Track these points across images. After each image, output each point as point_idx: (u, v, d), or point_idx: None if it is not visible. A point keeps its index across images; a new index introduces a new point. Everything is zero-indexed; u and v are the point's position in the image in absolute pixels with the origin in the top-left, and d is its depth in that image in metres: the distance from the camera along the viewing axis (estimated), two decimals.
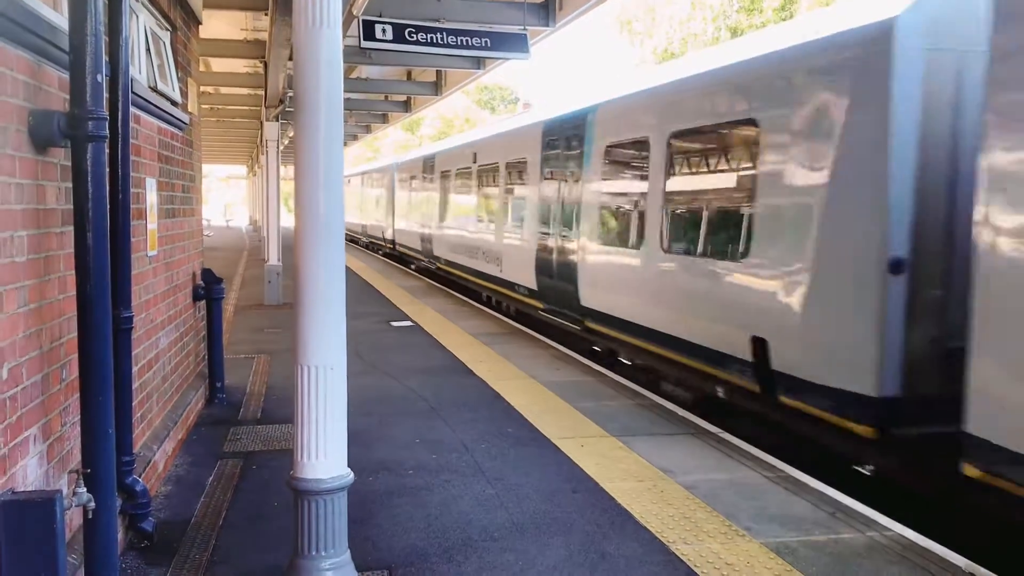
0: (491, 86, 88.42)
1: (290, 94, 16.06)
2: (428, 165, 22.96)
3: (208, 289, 8.46)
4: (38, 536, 3.39)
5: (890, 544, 5.18)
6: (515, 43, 10.77)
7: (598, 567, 4.85)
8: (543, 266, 13.00)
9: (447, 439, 7.35)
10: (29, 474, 3.69)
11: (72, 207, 3.78)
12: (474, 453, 6.95)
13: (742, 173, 7.94)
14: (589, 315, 11.22)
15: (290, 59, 11.59)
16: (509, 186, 15.33)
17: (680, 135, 8.95)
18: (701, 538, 5.25)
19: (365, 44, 9.97)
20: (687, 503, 5.84)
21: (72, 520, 4.12)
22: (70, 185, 3.80)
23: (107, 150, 4.18)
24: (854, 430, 6.43)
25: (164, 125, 6.71)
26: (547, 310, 13.00)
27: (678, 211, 9.05)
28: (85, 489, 3.73)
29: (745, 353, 7.57)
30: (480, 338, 12.60)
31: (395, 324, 14.06)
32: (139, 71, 6.06)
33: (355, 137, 34.73)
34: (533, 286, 13.47)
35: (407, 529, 5.39)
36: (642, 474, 6.44)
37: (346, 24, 9.21)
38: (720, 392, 8.29)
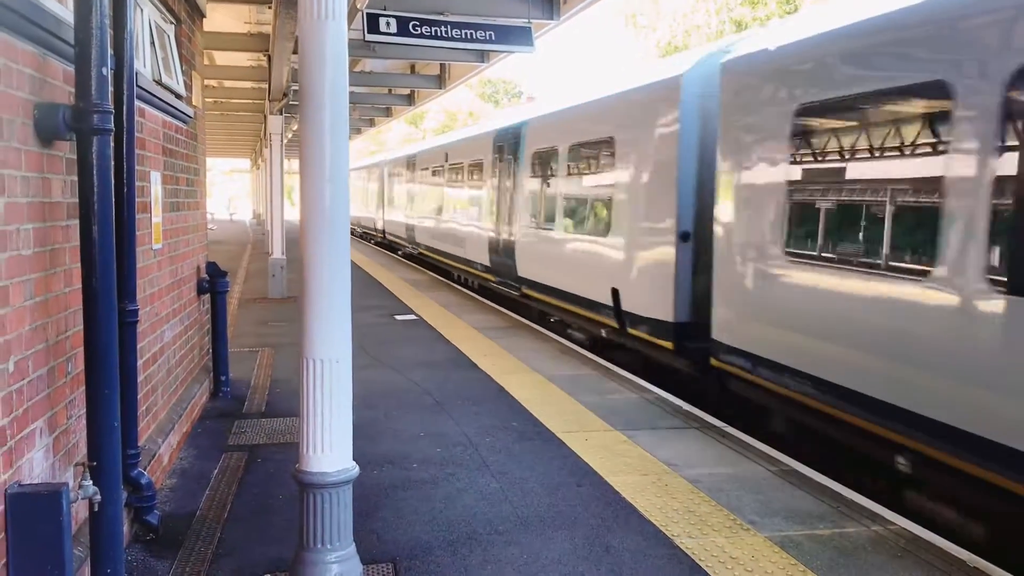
0: (495, 80, 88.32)
1: (294, 87, 16.05)
2: (411, 163, 26.17)
3: (212, 282, 8.47)
4: (44, 528, 3.40)
5: (894, 538, 5.18)
6: (519, 36, 10.74)
7: (602, 561, 4.85)
8: (493, 247, 16.17)
9: (451, 433, 7.36)
10: (35, 467, 3.70)
11: (77, 200, 3.78)
12: (478, 447, 6.95)
13: (606, 174, 11.11)
14: (524, 283, 14.29)
15: (294, 52, 11.57)
16: (471, 182, 18.43)
17: (574, 146, 12.32)
18: (705, 532, 5.25)
19: (369, 37, 9.95)
20: (691, 497, 5.84)
21: (78, 513, 4.13)
22: (75, 178, 3.80)
23: (112, 143, 4.19)
24: (663, 345, 9.47)
25: (168, 118, 6.71)
26: (498, 282, 15.95)
27: (573, 201, 12.34)
28: (91, 482, 3.73)
29: (609, 300, 10.64)
30: (484, 332, 12.60)
31: (399, 318, 14.07)
32: (143, 64, 6.05)
33: (359, 131, 34.73)
34: (487, 263, 16.61)
35: (412, 522, 5.39)
36: (646, 468, 6.44)
37: (350, 17, 9.18)
38: (603, 332, 11.19)
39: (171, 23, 7.38)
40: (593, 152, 11.65)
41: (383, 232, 31.93)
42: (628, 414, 7.98)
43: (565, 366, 10.19)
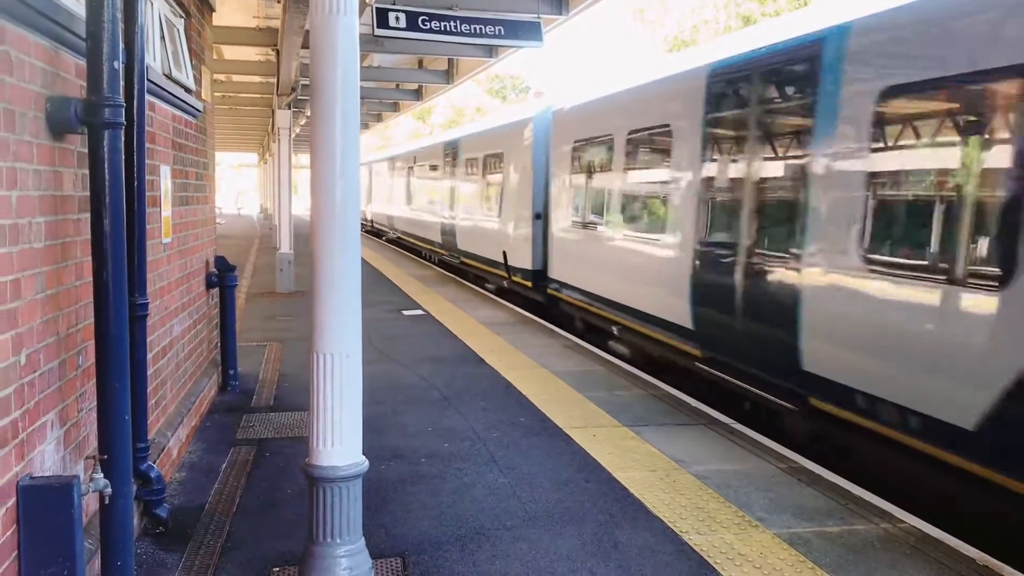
0: (502, 75, 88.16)
1: (303, 82, 16.06)
2: (391, 163, 32.09)
3: (221, 276, 8.48)
4: (56, 521, 3.41)
5: (904, 536, 5.17)
6: (528, 31, 10.73)
7: (611, 557, 4.85)
8: (444, 229, 21.66)
9: (459, 428, 7.37)
10: (47, 459, 3.71)
11: (89, 194, 3.79)
12: (486, 442, 6.96)
13: (497, 176, 16.81)
14: (461, 253, 19.84)
15: (303, 47, 11.59)
16: (430, 180, 23.87)
17: (487, 156, 17.75)
18: (714, 528, 5.25)
19: (379, 32, 9.95)
20: (699, 493, 5.84)
21: (88, 505, 4.14)
22: (87, 172, 3.81)
23: (123, 137, 4.20)
24: (527, 285, 14.76)
25: (178, 112, 6.72)
26: (447, 254, 21.52)
27: (483, 195, 17.83)
28: (102, 475, 3.74)
29: (501, 259, 16.13)
30: (491, 327, 12.60)
31: (406, 313, 14.08)
32: (154, 58, 6.05)
33: (366, 126, 34.72)
34: (440, 241, 22.16)
35: (420, 517, 5.40)
36: (654, 464, 6.44)
37: (359, 11, 9.17)
38: (505, 284, 16.32)
39: (181, 17, 7.39)
40: (494, 161, 17.36)
41: (371, 222, 38.04)
42: (636, 410, 7.97)
43: (572, 362, 10.19)
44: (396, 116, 32.06)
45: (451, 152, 20.99)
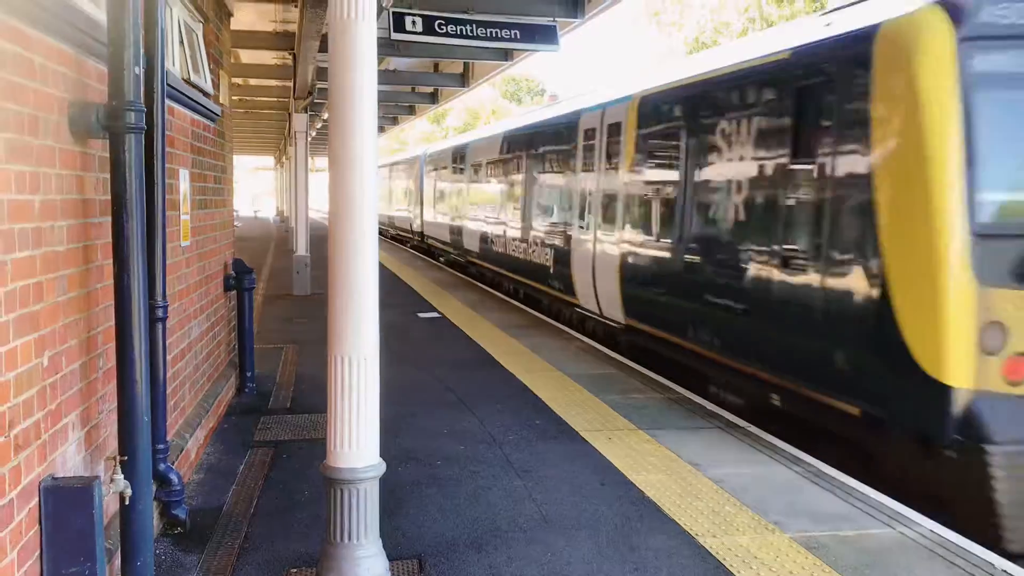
0: (518, 78, 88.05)
1: (319, 86, 16.13)
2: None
3: (239, 279, 8.53)
4: (77, 521, 3.45)
5: (920, 539, 5.15)
6: (545, 35, 10.75)
7: (627, 560, 4.86)
8: (411, 220, 31.34)
9: (475, 430, 7.39)
10: (68, 461, 3.76)
11: (110, 197, 3.83)
12: (502, 445, 6.97)
13: (407, 185, 32.75)
14: (428, 238, 28.35)
15: (320, 51, 11.64)
16: (406, 188, 32.79)
17: (405, 172, 33.63)
18: (730, 532, 5.24)
19: (395, 36, 10.00)
20: (716, 496, 5.83)
21: (108, 506, 4.18)
22: (107, 176, 3.85)
23: (144, 142, 4.24)
24: (419, 237, 29.94)
25: (197, 116, 6.77)
26: (421, 243, 29.74)
27: (404, 193, 33.24)
28: (122, 476, 3.78)
29: (418, 229, 29.82)
30: (507, 330, 12.62)
31: (422, 315, 14.11)
32: (173, 63, 6.10)
33: (382, 129, 34.85)
34: (421, 230, 29.24)
35: (437, 519, 5.42)
36: (670, 467, 6.44)
37: (376, 16, 9.21)
38: (415, 240, 30.76)
39: (199, 22, 7.44)
40: (406, 177, 32.49)
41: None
42: (651, 413, 7.97)
43: (588, 365, 10.20)
44: (412, 119, 32.20)
45: (412, 165, 31.89)
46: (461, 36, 10.24)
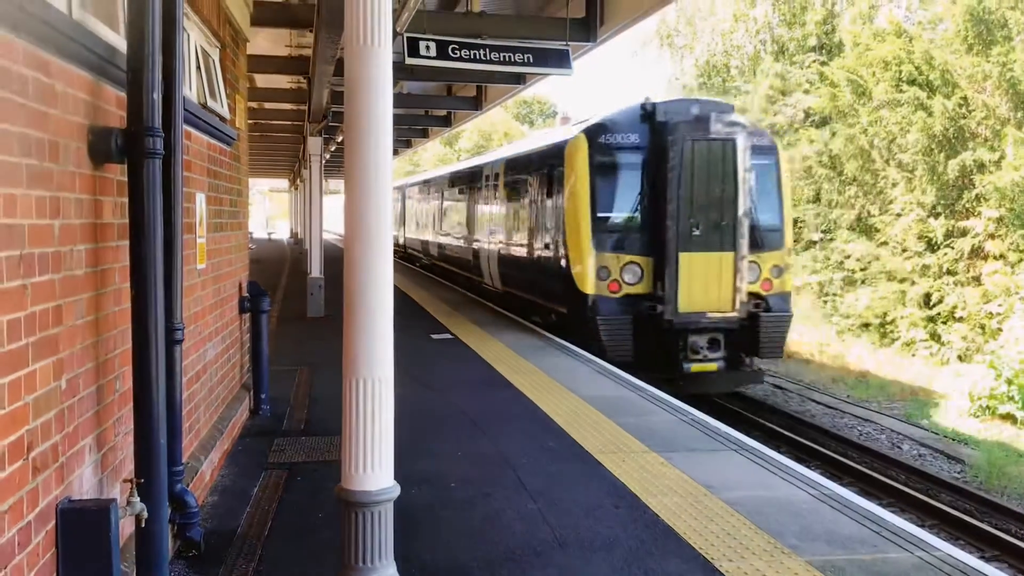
0: (530, 100, 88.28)
1: (334, 109, 16.25)
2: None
3: (254, 301, 8.58)
4: (94, 544, 3.47)
5: (939, 564, 5.10)
6: (557, 59, 10.82)
7: None
8: (406, 238, 34.74)
9: (488, 452, 7.38)
10: (84, 483, 3.78)
11: (128, 221, 3.87)
12: (515, 467, 6.96)
13: (397, 207, 36.60)
14: (408, 249, 33.82)
15: (334, 75, 11.75)
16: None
17: (411, 197, 35.15)
18: (745, 556, 5.21)
19: (410, 60, 10.07)
20: (731, 519, 5.80)
21: (124, 528, 4.20)
22: (125, 200, 3.90)
23: (162, 166, 4.29)
24: (401, 253, 35.06)
25: (213, 141, 6.84)
26: (404, 253, 33.46)
27: (396, 217, 34.95)
28: (139, 498, 3.80)
29: (400, 241, 35.89)
30: (518, 351, 12.62)
31: (435, 336, 14.12)
32: (190, 88, 6.18)
33: (396, 152, 35.13)
34: (404, 244, 34.02)
35: (450, 542, 5.41)
36: (684, 490, 6.41)
37: (391, 41, 9.29)
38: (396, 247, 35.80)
39: (216, 47, 7.54)
40: (393, 201, 31.80)
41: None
42: (665, 435, 7.94)
43: (600, 386, 10.18)
44: (425, 142, 32.44)
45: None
46: (474, 60, 10.31)
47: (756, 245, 13.08)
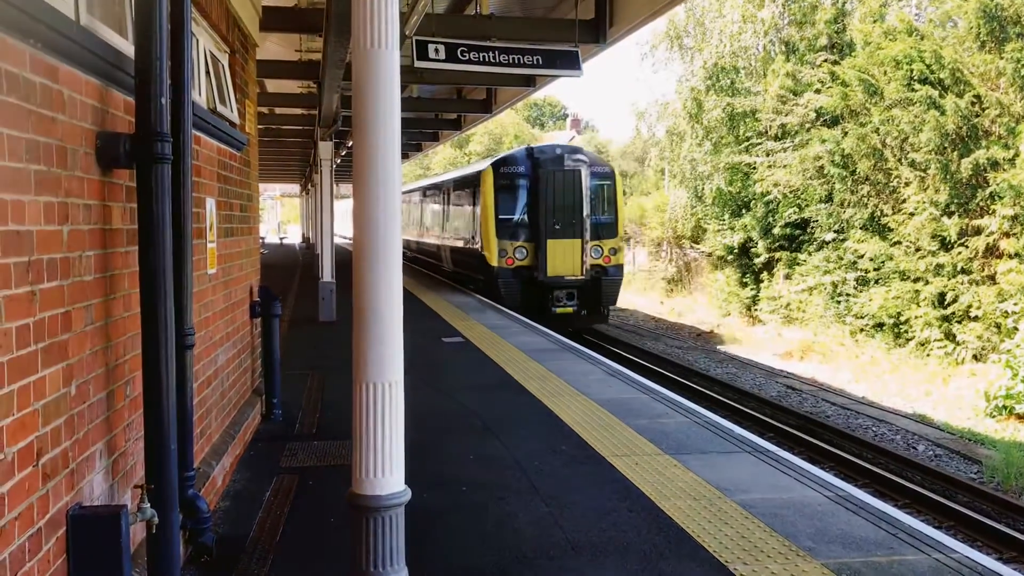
0: (540, 102, 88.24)
1: (344, 113, 16.28)
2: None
3: (265, 306, 8.57)
4: (105, 550, 3.46)
5: (956, 566, 5.05)
6: (567, 60, 10.78)
7: None
8: None
9: (500, 456, 7.35)
10: (95, 489, 3.77)
11: (137, 227, 3.87)
12: (528, 470, 6.93)
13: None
14: None
15: (344, 79, 11.75)
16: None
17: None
18: (760, 559, 5.16)
19: (419, 63, 10.07)
20: (745, 522, 5.76)
21: (135, 533, 4.19)
22: (134, 205, 3.89)
23: (170, 171, 4.29)
24: None
25: (223, 146, 6.84)
26: None
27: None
28: (149, 504, 3.79)
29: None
30: (530, 354, 12.59)
31: (446, 340, 14.12)
32: (199, 93, 6.19)
33: (406, 155, 35.20)
34: None
35: (462, 546, 5.39)
36: (698, 492, 6.37)
37: (400, 45, 9.28)
38: None
39: (225, 52, 7.55)
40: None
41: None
42: (678, 438, 7.90)
43: (613, 389, 10.14)
44: (436, 145, 32.46)
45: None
46: (483, 63, 10.29)
47: (598, 236, 20.44)
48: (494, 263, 20.45)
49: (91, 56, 3.65)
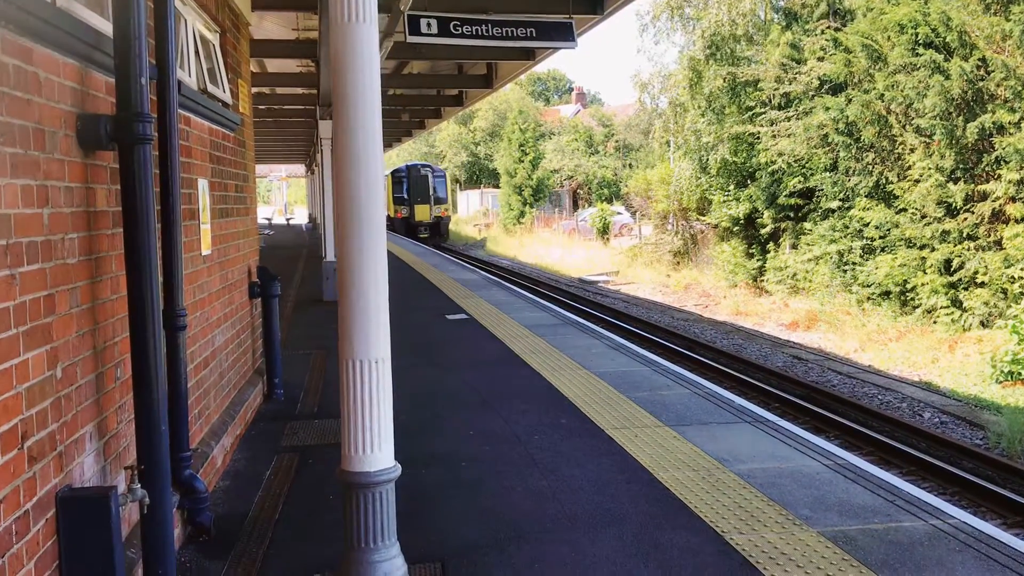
0: (544, 76, 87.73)
1: None
2: None
3: (264, 286, 8.57)
4: (95, 531, 3.48)
5: (953, 532, 5.05)
6: (561, 32, 10.69)
7: (651, 557, 4.81)
8: None
9: (500, 431, 7.37)
10: (87, 471, 3.79)
11: (121, 209, 3.86)
12: (527, 445, 6.95)
13: None
14: None
15: None
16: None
17: None
18: (757, 528, 5.17)
19: (411, 39, 9.99)
20: (743, 492, 5.76)
21: (130, 515, 4.22)
22: (119, 187, 3.88)
23: (156, 152, 4.27)
24: None
25: (215, 126, 6.82)
26: None
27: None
28: (140, 485, 3.81)
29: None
30: (533, 329, 12.59)
31: (449, 317, 14.12)
32: (188, 74, 6.16)
33: (409, 133, 35.06)
34: None
35: (460, 521, 5.41)
36: (696, 463, 6.37)
37: (393, 20, 9.21)
38: None
39: (216, 32, 7.50)
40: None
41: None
42: (678, 409, 7.90)
43: (614, 363, 10.14)
44: (439, 122, 32.25)
45: None
46: (477, 36, 10.20)
47: (438, 203, 45.89)
48: (392, 215, 43.78)
49: (68, 37, 3.62)
